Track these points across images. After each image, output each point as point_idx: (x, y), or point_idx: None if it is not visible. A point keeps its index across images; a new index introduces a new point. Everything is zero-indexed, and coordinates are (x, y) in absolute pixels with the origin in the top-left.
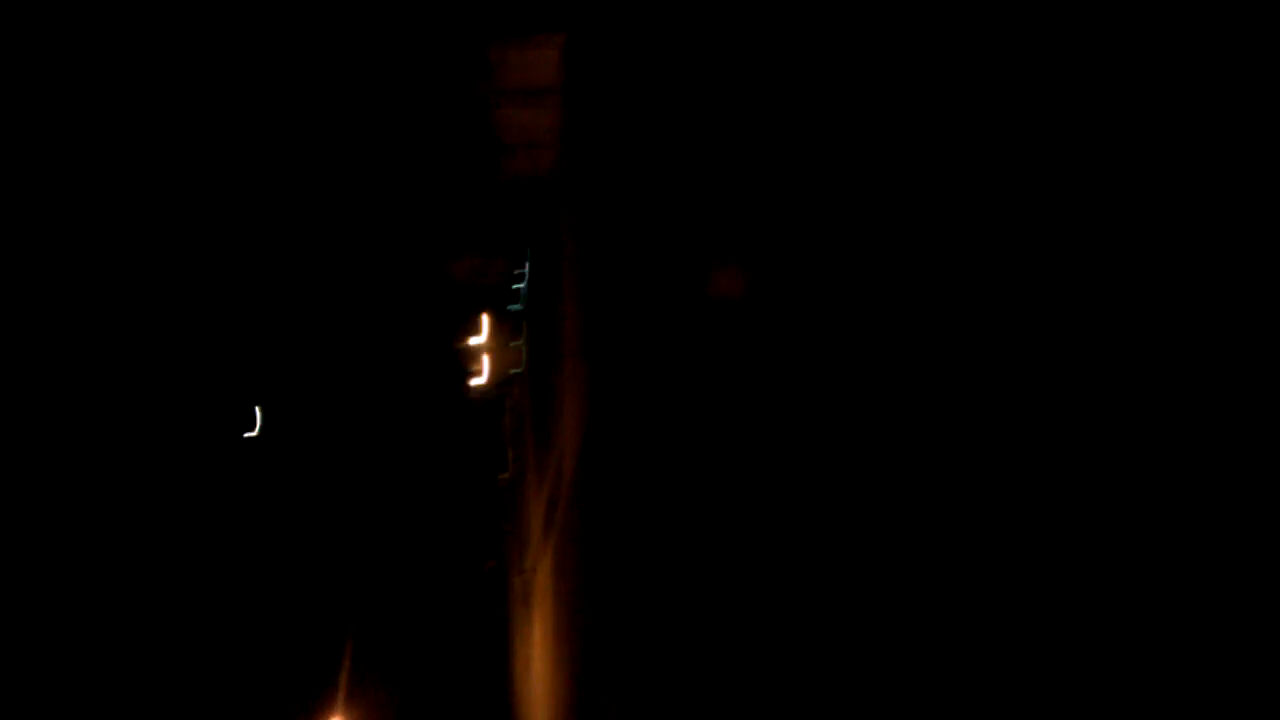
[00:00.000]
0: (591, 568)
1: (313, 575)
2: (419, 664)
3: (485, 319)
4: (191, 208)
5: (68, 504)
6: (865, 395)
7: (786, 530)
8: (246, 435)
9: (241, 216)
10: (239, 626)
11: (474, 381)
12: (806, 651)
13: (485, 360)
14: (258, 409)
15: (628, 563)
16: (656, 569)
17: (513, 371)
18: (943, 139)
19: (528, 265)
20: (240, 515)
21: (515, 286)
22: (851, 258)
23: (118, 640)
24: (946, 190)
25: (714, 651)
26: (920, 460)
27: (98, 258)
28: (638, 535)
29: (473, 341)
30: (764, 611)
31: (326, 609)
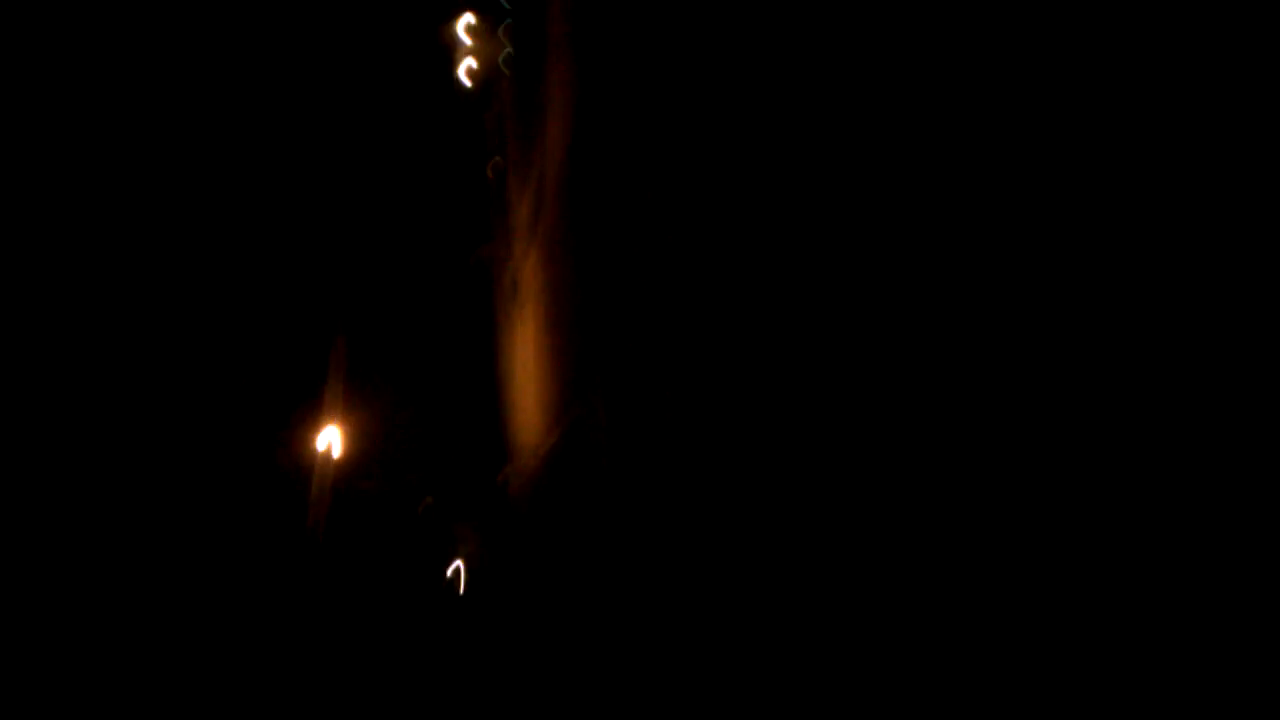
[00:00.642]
0: (581, 261)
1: (300, 267)
2: (407, 352)
3: (471, 15)
4: None
5: None
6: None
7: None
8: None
9: None
10: (226, 322)
11: (460, 77)
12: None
13: (471, 57)
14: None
15: (618, 258)
16: (647, 265)
17: (501, 66)
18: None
19: None
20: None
21: None
22: None
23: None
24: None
25: (703, 346)
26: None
27: None
28: (629, 230)
29: (459, 38)
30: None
31: (315, 301)
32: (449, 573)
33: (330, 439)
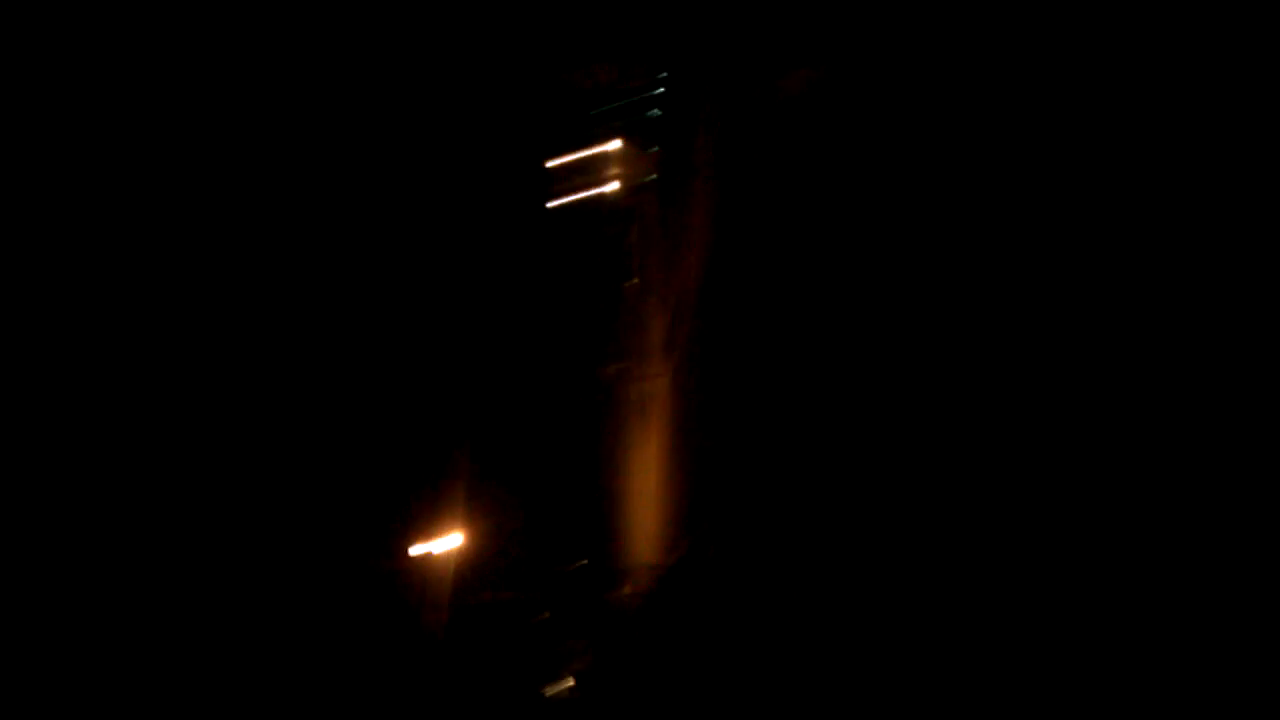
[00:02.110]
0: (711, 386)
1: (428, 377)
2: (535, 465)
3: (621, 124)
4: None
5: None
6: None
7: (906, 351)
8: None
9: None
10: (355, 431)
11: (606, 188)
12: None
13: (618, 166)
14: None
15: (747, 385)
16: (775, 396)
17: (645, 179)
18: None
19: (666, 71)
20: (357, 318)
21: (655, 92)
22: None
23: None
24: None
25: (821, 480)
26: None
27: None
28: (759, 357)
29: (608, 147)
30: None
31: (442, 412)
32: (562, 689)
33: (451, 544)
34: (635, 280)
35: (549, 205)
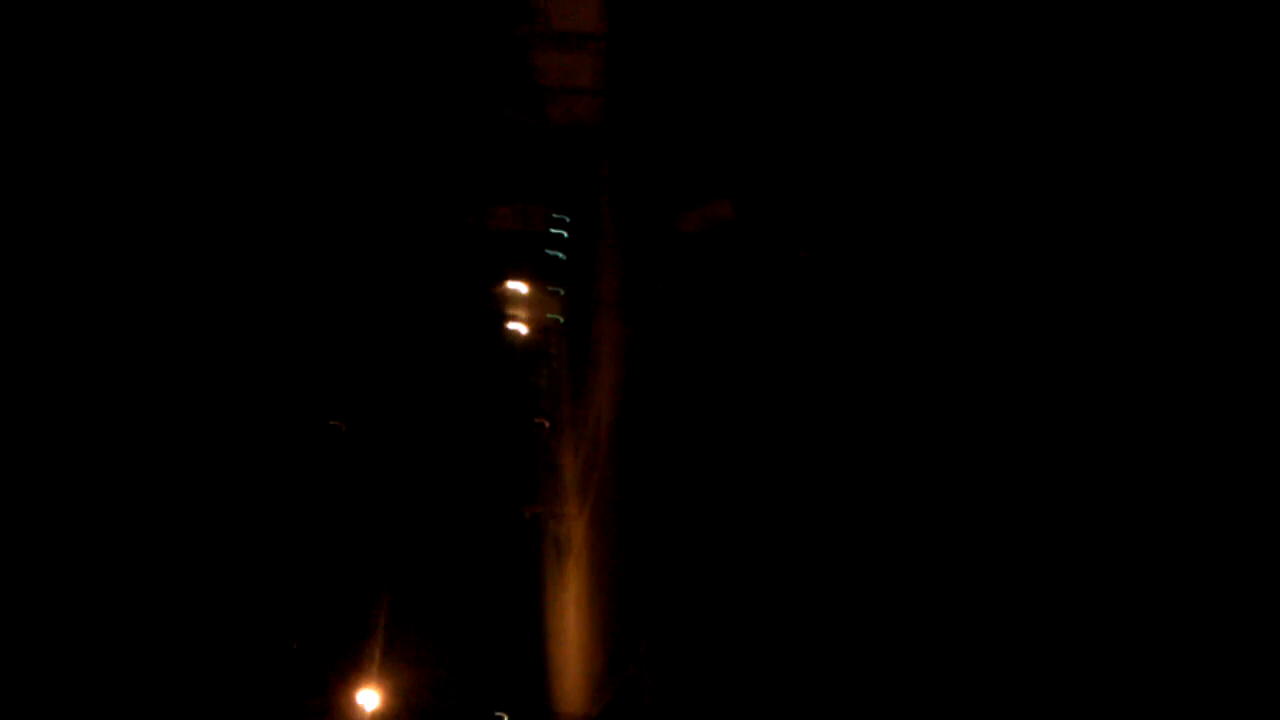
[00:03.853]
0: (629, 517)
1: (345, 525)
2: (454, 611)
3: (525, 267)
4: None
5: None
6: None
7: (823, 489)
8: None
9: (274, 158)
10: (265, 577)
11: (513, 328)
12: (839, 611)
13: (524, 307)
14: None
15: (665, 513)
16: (693, 520)
17: (551, 319)
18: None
19: (567, 214)
20: (268, 458)
21: (555, 233)
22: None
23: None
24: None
25: (745, 605)
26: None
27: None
28: (675, 486)
29: (512, 288)
30: (795, 566)
31: (359, 559)
32: None
33: (368, 701)
34: (546, 421)
35: (454, 348)
